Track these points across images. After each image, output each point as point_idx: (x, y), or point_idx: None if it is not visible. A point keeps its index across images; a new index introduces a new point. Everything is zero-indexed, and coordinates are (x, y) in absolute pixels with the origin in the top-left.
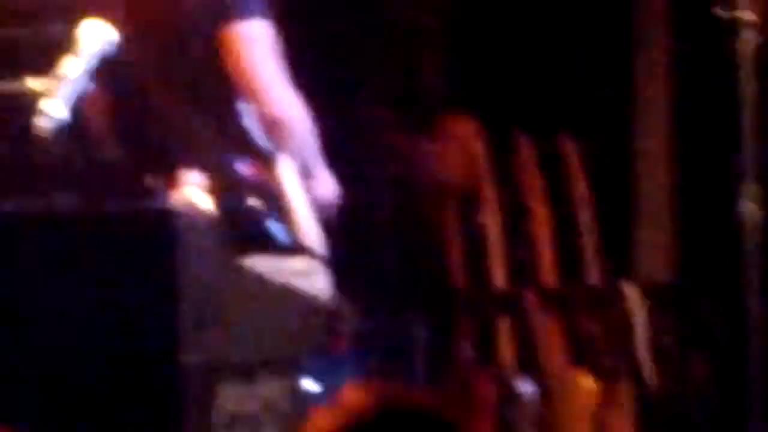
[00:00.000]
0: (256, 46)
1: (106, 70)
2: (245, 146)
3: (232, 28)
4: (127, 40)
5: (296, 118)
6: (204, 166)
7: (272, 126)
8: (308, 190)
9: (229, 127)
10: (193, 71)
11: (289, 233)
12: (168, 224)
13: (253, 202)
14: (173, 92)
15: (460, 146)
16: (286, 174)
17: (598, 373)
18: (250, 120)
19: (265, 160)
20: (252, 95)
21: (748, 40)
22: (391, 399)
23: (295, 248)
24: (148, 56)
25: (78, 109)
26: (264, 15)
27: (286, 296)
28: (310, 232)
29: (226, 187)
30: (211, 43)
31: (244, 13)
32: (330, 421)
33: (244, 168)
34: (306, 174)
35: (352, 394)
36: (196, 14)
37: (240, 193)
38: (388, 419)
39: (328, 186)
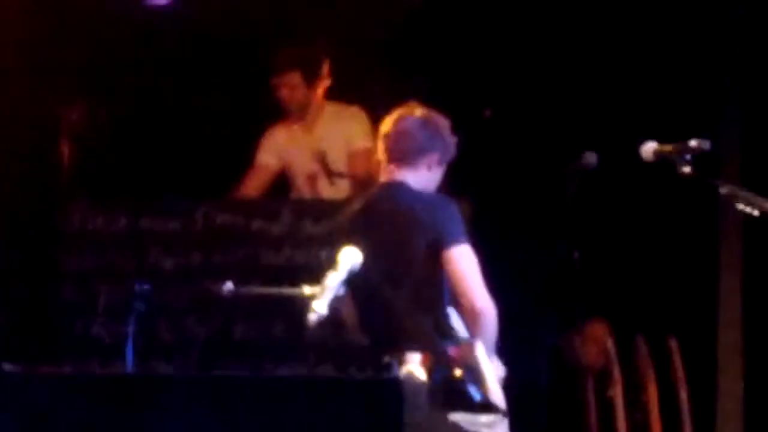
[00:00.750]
0: (467, 262)
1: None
2: (452, 336)
3: (452, 251)
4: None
5: (490, 314)
6: (423, 349)
7: (474, 317)
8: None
9: (441, 323)
10: (415, 282)
11: (481, 393)
12: (397, 388)
13: (458, 372)
14: (401, 296)
15: (597, 342)
16: (481, 353)
17: None
18: (456, 319)
19: (466, 345)
20: (463, 295)
21: None
22: None
23: (485, 404)
24: (386, 272)
25: (336, 307)
26: (467, 239)
27: None
28: (497, 394)
29: (439, 363)
30: (431, 259)
31: (457, 240)
32: None
33: (452, 350)
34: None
35: None
36: (419, 242)
37: (449, 367)
38: None
39: (498, 365)
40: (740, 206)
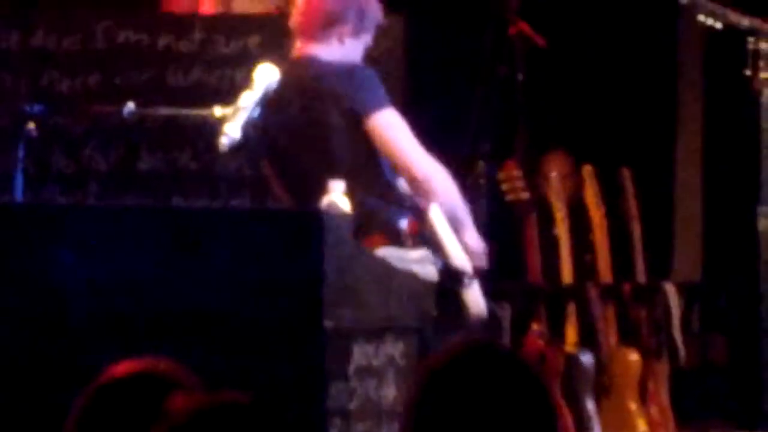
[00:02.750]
0: (393, 129)
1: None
2: (403, 206)
3: (372, 120)
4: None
5: (437, 176)
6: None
7: (417, 186)
8: (459, 228)
9: (386, 195)
10: (338, 149)
11: (441, 261)
12: (318, 220)
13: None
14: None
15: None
16: (435, 218)
17: (643, 350)
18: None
19: (418, 214)
20: (398, 165)
21: (765, 94)
22: (485, 342)
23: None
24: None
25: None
26: (390, 103)
27: (406, 278)
28: (458, 258)
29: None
30: (355, 133)
31: (381, 105)
32: (435, 360)
33: (404, 223)
34: (456, 226)
35: (456, 341)
36: (337, 117)
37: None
38: (481, 356)
39: (474, 239)
40: (701, 17)
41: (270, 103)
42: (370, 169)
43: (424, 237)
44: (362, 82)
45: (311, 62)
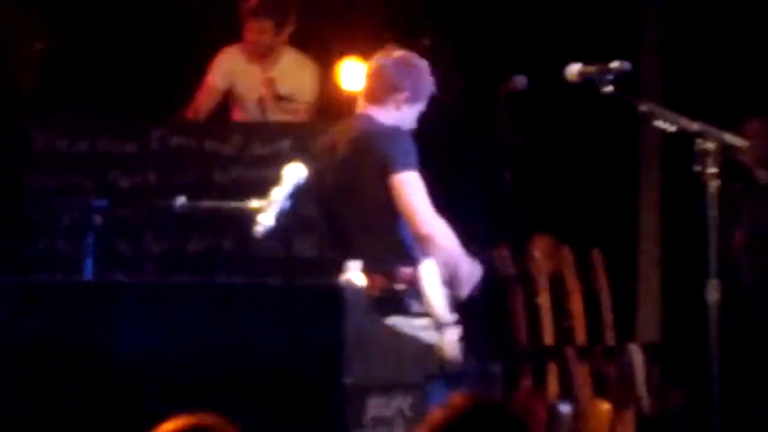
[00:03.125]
0: (410, 189)
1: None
2: (407, 257)
3: (397, 176)
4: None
5: (439, 235)
6: (374, 270)
7: (421, 241)
8: (455, 282)
9: (394, 245)
10: (367, 205)
11: (421, 306)
12: (337, 294)
13: (400, 286)
14: (355, 218)
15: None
16: (426, 272)
17: (613, 401)
18: (409, 239)
19: (415, 263)
20: (408, 220)
21: (713, 185)
22: (484, 399)
23: (423, 313)
24: (343, 195)
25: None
26: (415, 167)
27: (413, 342)
28: (438, 310)
29: (389, 283)
30: (381, 184)
31: (405, 166)
32: (438, 416)
33: (402, 270)
34: (455, 273)
35: (456, 398)
36: (371, 167)
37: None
38: (482, 412)
39: (468, 286)
40: (658, 123)
41: (323, 148)
42: (388, 221)
43: (414, 285)
44: (398, 143)
45: (366, 119)
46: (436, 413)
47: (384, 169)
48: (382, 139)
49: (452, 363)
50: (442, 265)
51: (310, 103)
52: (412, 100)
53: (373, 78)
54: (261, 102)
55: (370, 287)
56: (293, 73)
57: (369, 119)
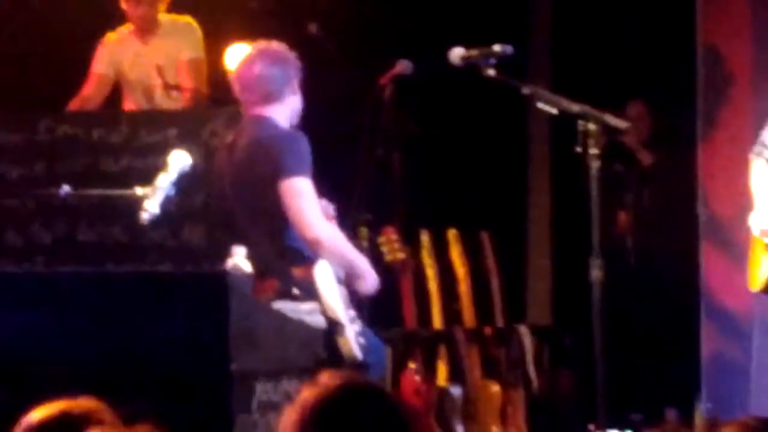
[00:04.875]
0: (296, 195)
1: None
2: (300, 260)
3: (287, 182)
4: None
5: (327, 239)
6: (269, 275)
7: (311, 245)
8: (352, 283)
9: (287, 249)
10: (259, 210)
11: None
12: (223, 280)
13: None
14: (253, 225)
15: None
16: (320, 273)
17: (503, 383)
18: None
19: (306, 266)
20: (295, 226)
21: (594, 166)
22: (354, 380)
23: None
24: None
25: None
26: (305, 173)
27: (300, 326)
28: (334, 311)
29: (283, 286)
30: (273, 189)
31: (295, 172)
32: (307, 396)
33: (295, 271)
34: (350, 273)
35: (324, 377)
36: (264, 173)
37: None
38: (350, 392)
39: (368, 282)
40: (540, 105)
41: (223, 152)
42: (280, 226)
43: (308, 285)
44: (291, 149)
45: (263, 122)
46: (305, 393)
47: (275, 175)
48: (276, 144)
49: (351, 361)
50: (337, 266)
51: (195, 60)
52: (298, 87)
53: (259, 83)
54: (149, 91)
55: (265, 291)
56: (173, 40)
57: (266, 121)
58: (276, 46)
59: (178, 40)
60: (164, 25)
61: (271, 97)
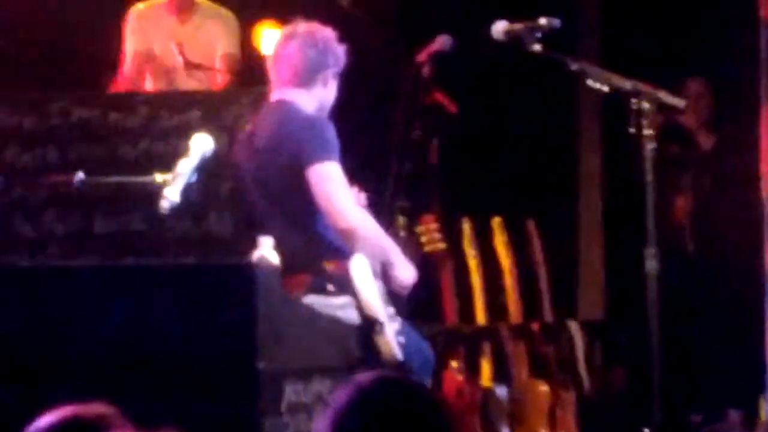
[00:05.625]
0: (327, 181)
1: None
2: (330, 251)
3: (313, 168)
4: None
5: (361, 227)
6: (298, 267)
7: (343, 236)
8: (389, 276)
9: (316, 239)
10: (284, 200)
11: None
12: (249, 272)
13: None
14: (275, 213)
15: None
16: (356, 268)
17: (551, 382)
18: (332, 234)
19: (341, 260)
20: (327, 215)
21: (648, 148)
22: (392, 377)
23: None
24: (263, 190)
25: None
26: (333, 158)
27: (332, 323)
28: (372, 308)
29: (316, 281)
30: (298, 177)
31: (322, 157)
32: (341, 397)
33: (328, 265)
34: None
35: (361, 376)
36: (288, 160)
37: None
38: (388, 390)
39: (405, 273)
40: (590, 82)
41: (242, 141)
42: (309, 215)
43: (343, 281)
44: (316, 133)
45: (286, 107)
46: (339, 394)
47: (301, 162)
48: (299, 129)
49: (390, 362)
50: (372, 257)
51: (234, 55)
52: (336, 73)
53: (290, 61)
54: (168, 73)
55: (297, 287)
56: (210, 27)
57: (289, 107)
58: (323, 30)
59: (217, 28)
60: (203, 8)
61: (298, 79)
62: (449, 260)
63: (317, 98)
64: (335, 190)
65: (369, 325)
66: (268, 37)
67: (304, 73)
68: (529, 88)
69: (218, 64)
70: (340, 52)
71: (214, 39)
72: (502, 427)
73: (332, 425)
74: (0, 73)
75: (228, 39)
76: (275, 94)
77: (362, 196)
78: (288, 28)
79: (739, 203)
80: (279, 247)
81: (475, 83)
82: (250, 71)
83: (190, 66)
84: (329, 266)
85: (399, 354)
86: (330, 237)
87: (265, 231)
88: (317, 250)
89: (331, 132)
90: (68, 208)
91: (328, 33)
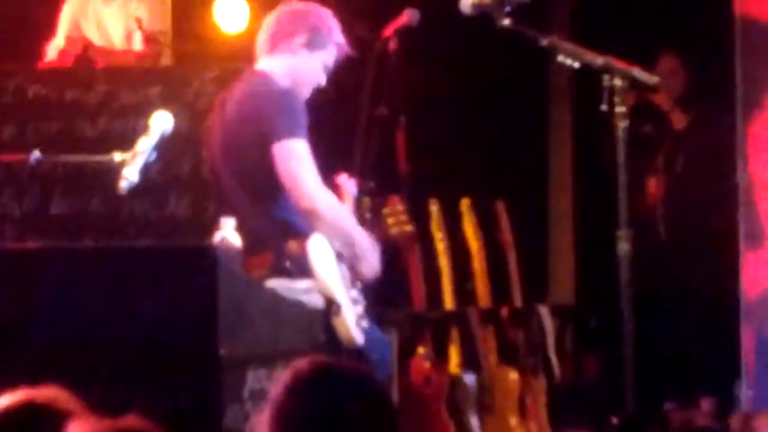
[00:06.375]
0: (291, 159)
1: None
2: (291, 231)
3: (279, 145)
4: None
5: (324, 208)
6: (260, 244)
7: (304, 216)
8: (353, 258)
9: (278, 217)
10: (248, 174)
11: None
12: (210, 254)
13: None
14: (239, 189)
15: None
16: (314, 247)
17: (521, 369)
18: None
19: (300, 239)
20: (293, 194)
21: (621, 126)
22: (327, 363)
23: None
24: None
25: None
26: (300, 135)
27: (295, 307)
28: (330, 289)
29: (277, 260)
30: (264, 153)
31: (289, 134)
32: (278, 385)
33: (289, 244)
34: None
35: (300, 362)
36: (254, 133)
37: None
38: (322, 374)
39: (369, 265)
40: (560, 58)
41: (216, 111)
42: (272, 192)
43: (302, 260)
44: (285, 108)
45: (259, 78)
46: (277, 383)
47: (267, 136)
48: (268, 102)
49: (351, 345)
50: (334, 239)
51: (157, 34)
52: (310, 45)
53: (269, 28)
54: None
55: (257, 266)
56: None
57: (262, 77)
58: (309, 5)
59: (140, 5)
60: None
61: (279, 39)
62: (416, 243)
63: (287, 67)
64: (300, 169)
65: (327, 307)
66: (228, 9)
67: (273, 39)
68: (497, 64)
69: (140, 44)
70: (323, 26)
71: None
72: (471, 415)
73: (272, 416)
74: None
75: (151, 14)
76: (256, 64)
77: (351, 183)
78: (286, 3)
79: (713, 184)
80: (242, 224)
81: (443, 59)
82: (213, 47)
83: (150, 40)
84: (291, 246)
85: (359, 338)
86: (293, 217)
87: (228, 207)
88: (280, 229)
89: (300, 107)
90: (24, 187)
91: (318, 9)
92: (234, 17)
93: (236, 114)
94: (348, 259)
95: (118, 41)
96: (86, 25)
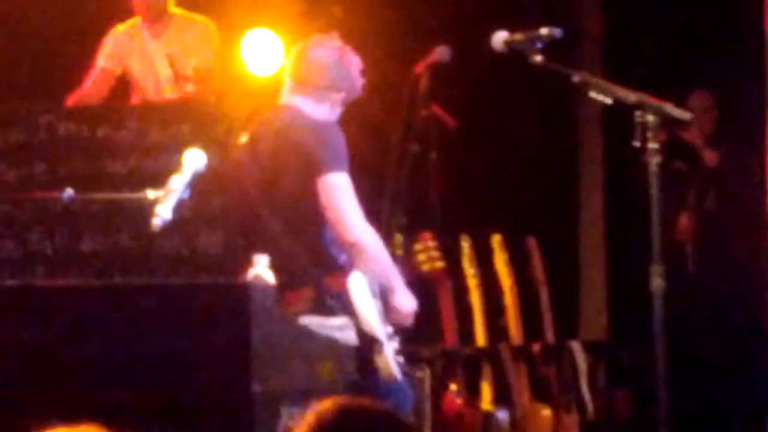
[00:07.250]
0: (337, 193)
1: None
2: (330, 265)
3: (324, 179)
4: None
5: (366, 243)
6: (298, 278)
7: (347, 249)
8: (390, 306)
9: (318, 251)
10: (289, 208)
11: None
12: (244, 291)
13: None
14: (277, 221)
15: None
16: (354, 284)
17: (554, 405)
18: (335, 247)
19: (340, 275)
20: (334, 227)
21: (654, 162)
22: (351, 405)
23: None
24: (265, 195)
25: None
26: (343, 168)
27: (329, 344)
28: (370, 326)
29: (316, 294)
30: (306, 186)
31: (332, 168)
32: (302, 424)
33: (328, 279)
34: (386, 289)
35: (321, 402)
36: (296, 166)
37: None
38: (348, 419)
39: (404, 300)
40: (592, 94)
41: (244, 147)
42: (313, 226)
43: (341, 296)
44: (327, 142)
45: (293, 111)
46: (304, 419)
47: (310, 170)
48: (310, 135)
49: (391, 381)
50: (373, 276)
51: (203, 69)
52: (345, 100)
53: (314, 67)
54: (156, 86)
55: (299, 302)
56: (188, 37)
57: (296, 112)
58: (353, 55)
59: (191, 40)
60: (178, 19)
61: (312, 88)
62: (448, 279)
63: (320, 114)
64: (345, 203)
65: (368, 344)
66: (256, 43)
67: (321, 83)
68: (529, 101)
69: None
70: (357, 82)
71: (187, 50)
72: None
73: None
74: None
75: (200, 49)
76: (283, 98)
77: None
78: (320, 36)
79: (744, 221)
80: (280, 258)
81: (474, 95)
82: (241, 83)
83: (181, 79)
84: (332, 281)
85: (398, 374)
86: (334, 251)
87: (266, 244)
88: (319, 262)
89: (340, 139)
90: (56, 225)
91: (355, 60)
92: (262, 49)
93: (273, 147)
94: (382, 294)
95: (163, 75)
96: (131, 59)
